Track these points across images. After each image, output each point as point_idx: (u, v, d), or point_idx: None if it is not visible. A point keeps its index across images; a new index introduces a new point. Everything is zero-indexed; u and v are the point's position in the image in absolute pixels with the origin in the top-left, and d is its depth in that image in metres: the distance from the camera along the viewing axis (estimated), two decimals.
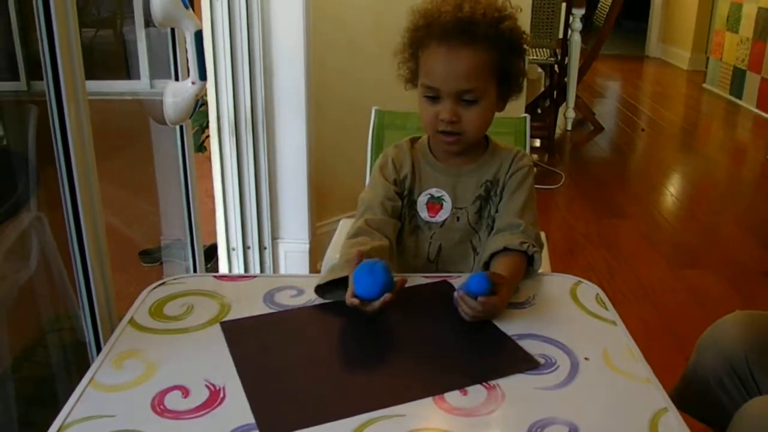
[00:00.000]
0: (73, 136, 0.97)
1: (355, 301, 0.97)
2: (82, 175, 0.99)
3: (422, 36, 1.11)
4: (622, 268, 2.58)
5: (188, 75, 1.38)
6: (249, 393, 0.82)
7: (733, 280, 2.49)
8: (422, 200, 1.19)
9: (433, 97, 1.10)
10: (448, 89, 1.08)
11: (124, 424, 0.77)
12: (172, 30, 1.40)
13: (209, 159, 2.10)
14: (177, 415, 0.79)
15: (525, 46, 1.13)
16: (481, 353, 0.94)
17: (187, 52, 1.36)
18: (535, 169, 1.22)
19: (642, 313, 2.24)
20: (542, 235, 1.22)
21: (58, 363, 1.65)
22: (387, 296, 0.96)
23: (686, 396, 1.22)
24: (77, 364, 1.47)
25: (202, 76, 1.37)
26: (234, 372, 0.86)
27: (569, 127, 4.51)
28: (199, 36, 1.33)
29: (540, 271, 1.14)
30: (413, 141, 1.23)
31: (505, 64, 1.11)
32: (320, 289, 1.05)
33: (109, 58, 4.26)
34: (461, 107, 1.09)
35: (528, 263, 1.12)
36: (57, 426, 0.77)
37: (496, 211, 1.18)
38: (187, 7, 1.31)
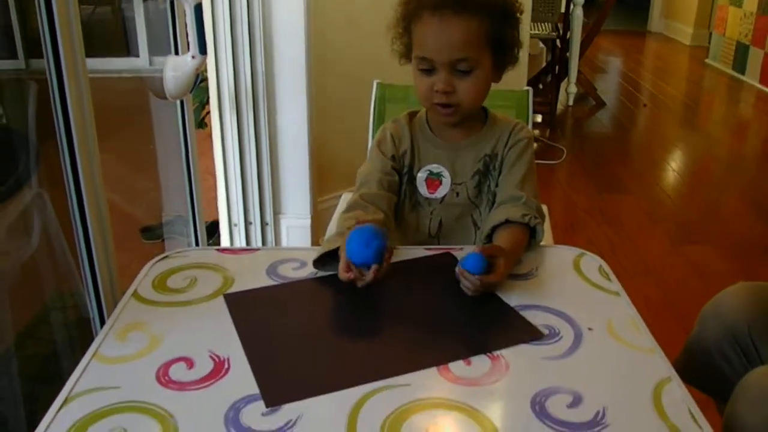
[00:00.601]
0: (74, 114, 0.96)
1: (350, 275, 0.96)
2: (84, 152, 0.99)
3: (415, 8, 1.10)
4: (623, 244, 2.58)
5: (188, 49, 1.37)
6: (253, 364, 0.83)
7: (734, 256, 2.49)
8: (421, 177, 1.18)
9: (428, 69, 1.10)
10: (442, 59, 1.07)
11: (129, 396, 0.78)
12: (172, 3, 1.39)
13: (210, 136, 2.09)
14: (182, 386, 0.79)
15: (518, 15, 1.12)
16: (485, 324, 0.94)
17: (186, 25, 1.35)
18: (535, 145, 1.21)
19: (643, 288, 2.24)
20: (544, 208, 1.22)
21: (62, 340, 1.66)
22: (375, 267, 0.95)
23: (688, 367, 1.22)
24: (81, 340, 1.48)
25: (202, 50, 1.36)
26: (238, 343, 0.87)
27: (571, 103, 4.48)
28: (198, 9, 1.32)
29: (542, 244, 1.14)
30: (411, 115, 1.22)
31: (499, 33, 1.09)
32: (318, 263, 1.05)
33: (108, 36, 4.23)
34: (456, 78, 1.09)
35: (530, 235, 1.11)
36: (62, 398, 0.78)
37: (497, 185, 1.17)
38: None
